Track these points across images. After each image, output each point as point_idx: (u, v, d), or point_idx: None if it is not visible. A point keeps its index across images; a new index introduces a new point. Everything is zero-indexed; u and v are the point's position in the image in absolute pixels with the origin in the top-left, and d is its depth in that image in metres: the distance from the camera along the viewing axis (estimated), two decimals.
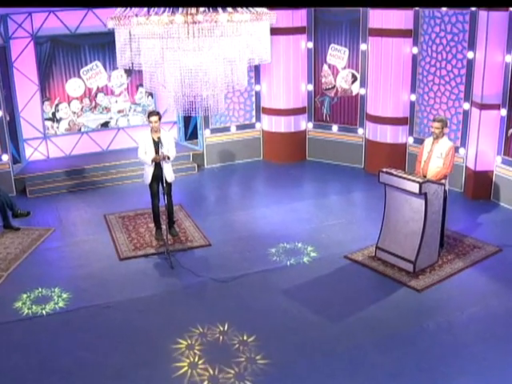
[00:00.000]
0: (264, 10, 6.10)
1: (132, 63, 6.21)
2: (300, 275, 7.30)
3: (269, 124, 11.74)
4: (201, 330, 6.19)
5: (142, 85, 10.85)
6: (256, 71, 11.35)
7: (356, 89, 11.04)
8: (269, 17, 6.11)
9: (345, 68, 11.07)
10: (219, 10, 5.81)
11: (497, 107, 9.06)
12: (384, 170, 7.34)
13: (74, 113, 11.15)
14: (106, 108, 11.36)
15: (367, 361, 5.67)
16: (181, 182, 10.01)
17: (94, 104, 11.25)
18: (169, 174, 7.90)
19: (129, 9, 5.92)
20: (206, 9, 5.80)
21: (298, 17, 11.02)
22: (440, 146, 7.38)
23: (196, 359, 5.73)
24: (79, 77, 11.01)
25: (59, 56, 10.77)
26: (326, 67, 11.25)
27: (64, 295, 6.89)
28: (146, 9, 5.95)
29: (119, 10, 5.99)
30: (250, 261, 7.67)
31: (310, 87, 11.48)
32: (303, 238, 8.26)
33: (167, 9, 5.86)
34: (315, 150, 11.74)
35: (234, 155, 11.77)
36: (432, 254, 7.34)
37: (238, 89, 6.84)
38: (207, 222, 8.90)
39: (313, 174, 11.13)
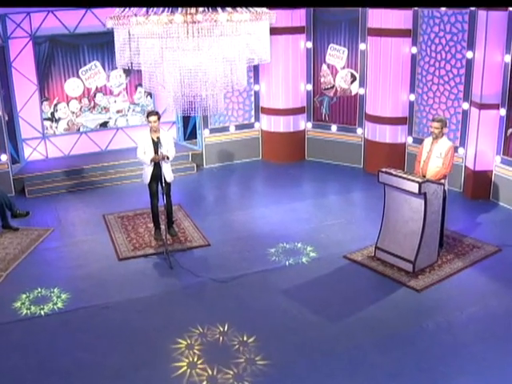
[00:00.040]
0: (264, 9, 6.09)
1: (131, 63, 6.20)
2: (299, 275, 7.30)
3: (268, 124, 11.73)
4: (201, 330, 6.18)
5: (140, 85, 10.80)
6: (255, 71, 11.34)
7: (355, 89, 11.04)
8: (268, 16, 6.10)
9: (344, 68, 11.07)
10: (218, 9, 5.80)
11: (496, 107, 9.06)
12: (383, 169, 7.33)
13: (73, 113, 11.14)
14: (104, 108, 11.35)
15: (367, 361, 5.67)
16: (180, 182, 10.00)
17: (92, 104, 11.24)
18: (168, 173, 7.89)
19: (128, 8, 5.91)
20: (206, 8, 5.79)
21: (296, 16, 11.01)
22: (439, 145, 7.38)
23: (195, 359, 5.73)
24: (78, 77, 10.99)
25: (58, 56, 10.76)
26: (325, 67, 11.25)
27: (63, 296, 6.88)
28: (145, 8, 5.94)
29: (118, 9, 5.98)
30: (249, 261, 7.66)
31: (309, 87, 11.47)
32: (302, 237, 8.25)
33: (166, 8, 5.84)
34: (314, 149, 11.74)
35: (233, 155, 11.76)
36: (431, 253, 7.34)
37: (238, 89, 6.82)
38: (206, 221, 8.89)
39: (312, 173, 11.13)
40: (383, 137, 10.70)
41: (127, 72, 11.13)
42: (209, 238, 8.31)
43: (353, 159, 11.36)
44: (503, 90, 8.94)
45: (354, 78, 11.01)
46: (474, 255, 7.64)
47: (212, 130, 11.51)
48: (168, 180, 7.91)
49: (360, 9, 10.45)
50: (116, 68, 10.77)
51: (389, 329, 6.17)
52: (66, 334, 6.20)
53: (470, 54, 9.30)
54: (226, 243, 8.18)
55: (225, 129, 11.61)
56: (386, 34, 10.14)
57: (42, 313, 6.56)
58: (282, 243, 8.09)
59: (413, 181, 6.94)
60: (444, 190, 7.30)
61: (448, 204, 7.64)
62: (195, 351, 5.84)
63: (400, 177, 7.12)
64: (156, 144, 7.80)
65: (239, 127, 11.73)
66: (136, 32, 5.95)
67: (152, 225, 8.47)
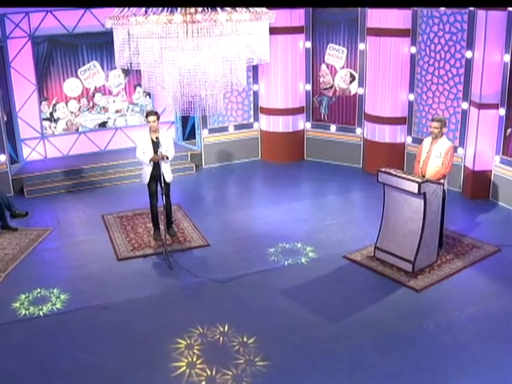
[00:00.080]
0: (263, 9, 6.08)
1: (131, 63, 6.19)
2: (299, 275, 7.29)
3: (267, 124, 11.72)
4: (200, 330, 6.17)
5: (139, 85, 10.85)
6: (254, 71, 11.33)
7: (354, 88, 11.03)
8: (268, 16, 6.09)
9: (343, 68, 11.06)
10: (218, 9, 5.79)
11: (495, 107, 9.06)
12: (383, 169, 7.32)
13: (72, 113, 11.12)
14: (103, 108, 11.34)
15: (366, 361, 5.66)
16: (179, 182, 9.98)
17: (91, 104, 11.22)
18: (167, 173, 7.88)
19: (127, 8, 5.90)
20: (205, 8, 5.78)
21: (296, 16, 11.00)
22: (439, 145, 7.37)
23: (194, 359, 5.72)
24: (77, 77, 10.97)
25: (57, 56, 10.74)
26: (324, 67, 11.24)
27: (62, 296, 6.86)
28: (144, 8, 5.92)
29: (117, 9, 5.97)
30: (248, 261, 7.65)
31: (308, 87, 11.46)
32: (302, 238, 8.24)
33: (166, 8, 5.83)
34: (313, 149, 11.73)
35: (231, 155, 11.75)
36: (431, 253, 7.33)
37: (237, 88, 6.80)
38: (205, 222, 8.88)
39: (311, 173, 11.12)
40: (382, 137, 10.70)
41: (126, 72, 11.12)
42: (208, 238, 8.30)
43: (352, 159, 11.35)
44: (502, 90, 8.94)
45: (353, 78, 11.00)
46: (473, 255, 7.64)
47: (211, 130, 11.50)
48: (167, 180, 7.90)
49: (359, 9, 10.44)
50: (115, 68, 10.78)
51: (388, 329, 6.16)
52: (65, 334, 6.19)
53: (469, 54, 9.29)
54: (226, 243, 8.17)
55: (224, 129, 11.60)
56: (385, 33, 10.13)
57: (41, 313, 6.54)
58: (282, 243, 8.09)
59: (412, 181, 6.94)
60: (443, 190, 7.29)
61: (447, 204, 7.65)
62: (195, 351, 5.83)
63: (399, 177, 7.12)
64: (155, 144, 7.79)
65: (238, 127, 11.72)
66: (135, 32, 5.94)
67: (151, 225, 8.45)
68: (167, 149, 7.79)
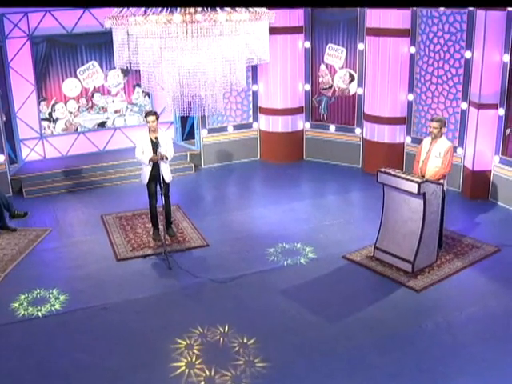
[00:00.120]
0: (263, 9, 6.07)
1: (130, 63, 6.18)
2: (298, 275, 7.28)
3: (266, 124, 11.72)
4: (200, 330, 6.16)
5: (138, 85, 10.87)
6: (253, 71, 11.32)
7: (353, 88, 11.03)
8: (267, 16, 6.09)
9: (342, 68, 11.06)
10: (217, 9, 5.78)
11: (494, 107, 9.06)
12: (382, 169, 7.32)
13: (71, 113, 11.11)
14: (102, 108, 11.33)
15: (366, 361, 5.66)
16: (178, 182, 9.98)
17: (90, 104, 11.21)
18: (167, 174, 7.87)
19: (126, 8, 5.89)
20: (205, 8, 5.78)
21: (295, 16, 11.00)
22: (438, 145, 7.37)
23: (194, 359, 5.71)
24: (76, 77, 10.96)
25: (56, 56, 10.73)
26: (323, 67, 11.24)
27: (61, 297, 6.85)
28: (143, 8, 5.92)
29: (116, 9, 5.96)
30: (248, 261, 7.64)
31: (308, 87, 11.46)
32: (301, 238, 8.24)
33: (165, 8, 5.83)
34: (313, 149, 11.73)
35: (231, 155, 11.74)
36: (430, 254, 7.33)
37: (236, 88, 6.80)
38: (205, 222, 8.87)
39: (310, 173, 11.12)
40: (382, 137, 10.70)
41: (125, 72, 11.11)
42: (207, 239, 8.29)
43: (351, 159, 11.35)
44: (502, 90, 8.94)
45: (352, 78, 11.00)
46: (473, 255, 7.63)
47: (210, 130, 11.49)
48: (167, 180, 7.89)
49: (358, 8, 10.44)
50: (114, 68, 10.77)
51: (388, 329, 6.16)
52: (64, 335, 6.18)
53: (468, 54, 9.29)
54: (225, 243, 8.17)
55: (223, 129, 11.60)
56: (384, 33, 10.13)
57: (40, 314, 6.53)
58: (281, 243, 8.08)
59: (412, 181, 6.93)
60: (443, 190, 7.29)
61: (447, 204, 7.64)
62: (194, 351, 5.82)
63: (399, 177, 7.11)
64: (154, 144, 7.78)
65: (237, 127, 11.71)
66: (134, 32, 5.93)
67: (150, 225, 8.44)
68: (166, 149, 7.78)
